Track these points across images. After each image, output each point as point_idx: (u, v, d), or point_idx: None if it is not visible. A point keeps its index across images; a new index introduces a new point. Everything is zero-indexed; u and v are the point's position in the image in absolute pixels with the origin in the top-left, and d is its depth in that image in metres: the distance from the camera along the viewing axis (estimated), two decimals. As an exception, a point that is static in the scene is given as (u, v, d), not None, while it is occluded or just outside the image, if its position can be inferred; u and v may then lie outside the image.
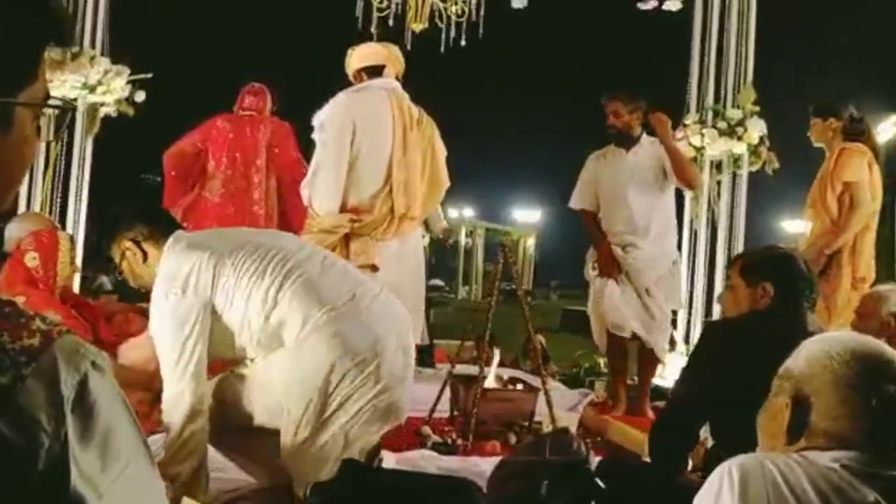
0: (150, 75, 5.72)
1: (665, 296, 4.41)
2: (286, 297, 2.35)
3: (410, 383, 2.51)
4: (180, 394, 2.37)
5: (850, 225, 4.19)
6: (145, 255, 2.53)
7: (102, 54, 5.61)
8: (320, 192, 3.44)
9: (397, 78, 3.60)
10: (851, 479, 1.22)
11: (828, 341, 1.38)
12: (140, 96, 5.69)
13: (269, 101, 5.08)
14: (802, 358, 1.38)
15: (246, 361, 2.52)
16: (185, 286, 2.36)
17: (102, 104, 5.62)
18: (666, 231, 4.43)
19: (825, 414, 1.31)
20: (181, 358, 2.35)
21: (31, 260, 3.28)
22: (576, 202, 4.64)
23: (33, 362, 0.71)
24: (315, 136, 3.53)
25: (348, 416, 2.30)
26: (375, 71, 3.55)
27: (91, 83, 5.44)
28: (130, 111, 5.71)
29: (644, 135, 4.45)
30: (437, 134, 3.56)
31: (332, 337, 2.31)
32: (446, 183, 3.63)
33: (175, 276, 2.39)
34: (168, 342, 2.39)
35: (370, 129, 3.39)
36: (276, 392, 2.39)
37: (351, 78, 3.68)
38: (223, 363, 2.64)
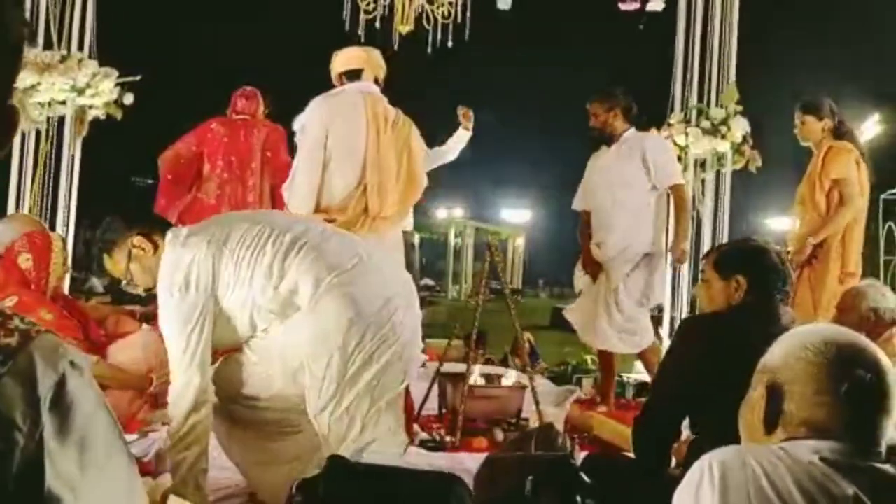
0: (138, 78, 5.73)
1: (641, 290, 4.41)
2: (293, 266, 2.40)
3: (419, 335, 2.63)
4: (186, 384, 2.42)
5: (838, 220, 4.24)
6: (156, 246, 2.56)
7: (90, 57, 5.62)
8: (296, 194, 3.54)
9: (377, 81, 3.68)
10: (831, 472, 1.24)
11: (802, 333, 1.40)
12: (129, 99, 5.70)
13: (262, 104, 5.11)
14: (778, 350, 1.40)
15: (257, 334, 2.53)
16: (187, 281, 2.41)
17: (91, 107, 5.63)
18: (636, 224, 4.37)
19: (800, 402, 1.32)
20: (187, 348, 2.41)
21: (25, 261, 3.29)
22: (574, 203, 4.76)
23: (10, 361, 0.70)
24: (297, 139, 3.64)
25: (372, 373, 2.37)
26: (354, 75, 3.64)
27: (79, 86, 5.45)
28: (119, 114, 5.72)
29: (630, 131, 4.47)
30: (414, 134, 3.63)
31: (345, 296, 2.37)
32: (423, 183, 3.66)
33: (176, 270, 2.43)
34: (174, 335, 2.44)
35: (343, 132, 3.46)
36: (295, 355, 2.43)
37: (334, 82, 3.75)
38: (225, 351, 2.68)
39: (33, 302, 3.19)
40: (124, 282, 2.66)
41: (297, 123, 3.60)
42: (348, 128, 3.47)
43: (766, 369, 1.40)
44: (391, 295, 2.50)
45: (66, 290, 4.56)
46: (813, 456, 1.26)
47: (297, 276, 2.40)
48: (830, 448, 1.27)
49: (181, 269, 2.42)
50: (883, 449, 1.31)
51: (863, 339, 1.37)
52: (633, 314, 4.38)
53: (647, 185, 4.37)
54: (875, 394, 1.31)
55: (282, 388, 2.52)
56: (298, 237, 2.46)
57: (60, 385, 0.72)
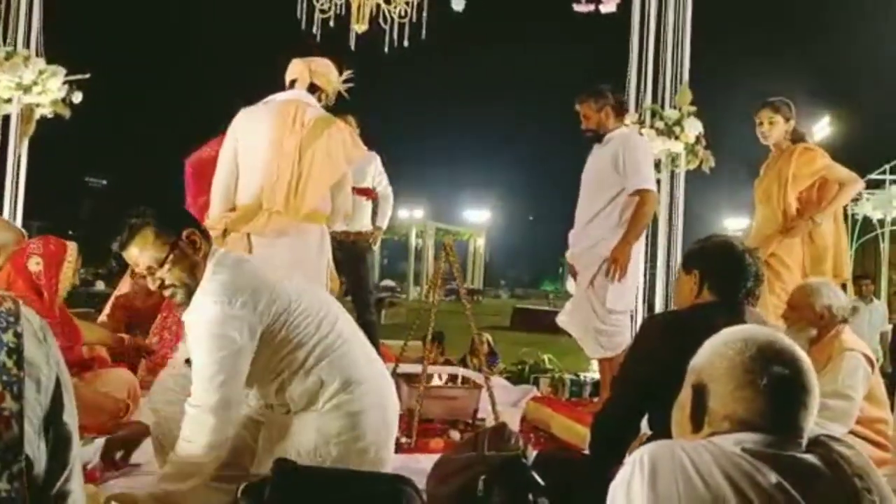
0: (87, 76, 5.62)
1: (607, 294, 4.21)
2: (329, 360, 2.40)
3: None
4: (205, 413, 2.27)
5: (844, 196, 4.42)
6: (201, 249, 2.40)
7: (37, 54, 5.49)
8: (212, 196, 3.75)
9: (316, 87, 3.86)
10: (755, 461, 1.29)
11: (726, 333, 1.45)
12: (77, 97, 5.58)
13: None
14: (703, 350, 1.45)
15: (274, 407, 2.49)
16: (235, 297, 2.28)
17: (38, 105, 5.50)
18: (604, 225, 4.24)
19: (722, 398, 1.37)
20: (218, 373, 2.26)
21: (35, 265, 3.19)
22: None
23: (19, 321, 0.99)
24: None
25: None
26: (292, 84, 3.87)
27: (26, 83, 5.32)
28: (67, 112, 5.60)
29: (617, 130, 4.34)
30: (330, 135, 3.71)
31: (356, 415, 2.39)
32: (328, 182, 3.73)
33: (227, 286, 2.30)
34: (204, 353, 2.28)
35: (247, 137, 3.70)
36: (298, 444, 2.37)
37: None
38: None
39: (35, 308, 3.09)
40: (143, 275, 2.49)
41: None
42: (252, 133, 3.68)
43: (692, 369, 1.46)
44: (390, 413, 2.56)
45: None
46: (736, 447, 1.31)
47: (328, 373, 2.39)
48: (753, 440, 1.33)
49: (231, 288, 2.30)
50: (804, 440, 1.37)
51: (781, 337, 1.43)
52: (604, 317, 4.22)
53: (618, 186, 4.21)
54: (793, 388, 1.37)
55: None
56: (340, 330, 2.48)
57: (51, 340, 1.07)
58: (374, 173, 5.72)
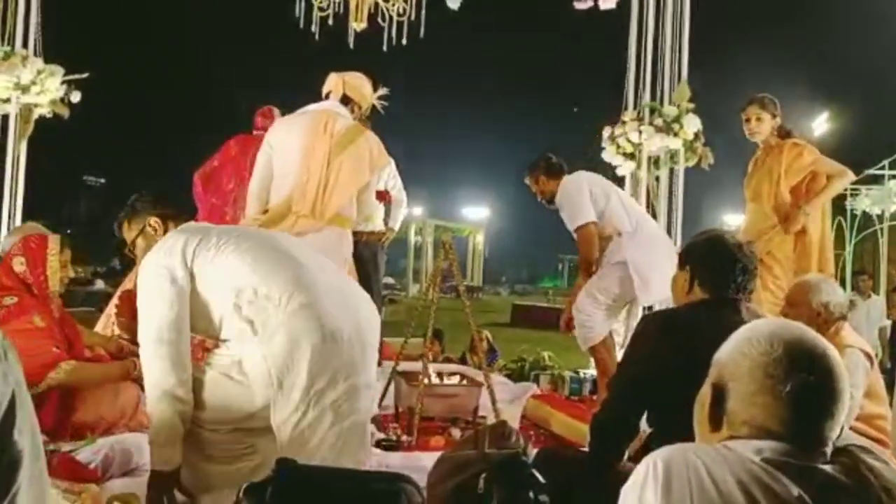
0: (85, 75, 5.62)
1: (594, 284, 4.50)
2: (269, 272, 2.47)
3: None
4: (149, 349, 2.46)
5: (834, 188, 4.44)
6: (166, 230, 2.68)
7: (35, 54, 5.49)
8: (248, 198, 4.07)
9: (348, 99, 4.13)
10: (774, 472, 1.22)
11: (751, 328, 1.36)
12: (76, 97, 5.58)
13: (272, 117, 5.24)
14: (728, 345, 1.37)
15: (229, 346, 2.52)
16: (171, 253, 2.49)
17: (36, 105, 5.50)
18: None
19: (742, 401, 1.30)
20: (159, 334, 2.44)
21: (19, 265, 3.19)
22: None
23: None
24: None
25: (337, 393, 2.39)
26: (326, 95, 4.16)
27: (24, 83, 5.32)
28: (66, 112, 5.60)
29: (559, 184, 4.54)
30: (358, 144, 3.96)
31: (317, 317, 2.41)
32: (353, 188, 3.97)
33: (170, 255, 2.50)
34: (150, 314, 2.47)
35: (281, 144, 3.97)
36: (266, 368, 2.42)
37: None
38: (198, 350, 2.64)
39: (31, 306, 3.11)
40: (126, 249, 2.79)
41: None
42: (287, 140, 3.96)
43: (715, 364, 1.38)
44: (360, 323, 2.56)
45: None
46: (756, 456, 1.25)
47: (273, 283, 2.44)
48: (773, 448, 1.26)
49: (171, 247, 2.50)
50: (829, 449, 1.29)
51: (811, 337, 1.33)
52: (585, 307, 4.42)
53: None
54: (818, 396, 1.28)
55: (260, 408, 2.49)
56: (285, 253, 2.58)
57: (8, 355, 1.02)
58: (389, 177, 5.78)
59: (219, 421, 2.56)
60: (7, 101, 5.34)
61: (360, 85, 4.18)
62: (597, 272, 4.43)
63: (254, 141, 5.25)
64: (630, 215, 4.51)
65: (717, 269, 2.35)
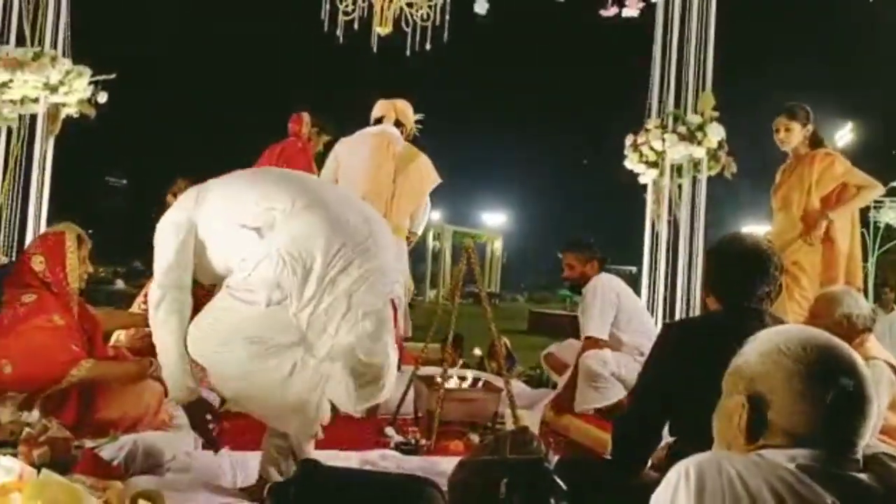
0: (112, 76, 5.68)
1: None
2: (271, 188, 2.59)
3: (406, 267, 3.09)
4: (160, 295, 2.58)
5: (865, 197, 4.46)
6: None
7: (64, 55, 5.55)
8: None
9: (399, 123, 4.76)
10: (808, 481, 1.21)
11: (777, 335, 1.35)
12: (102, 97, 5.64)
13: (305, 123, 5.58)
14: (753, 354, 1.35)
15: (242, 265, 2.56)
16: (177, 208, 2.64)
17: (64, 105, 5.57)
18: None
19: (784, 412, 1.28)
20: (166, 260, 2.58)
21: (38, 263, 3.22)
22: None
23: None
24: None
25: (351, 280, 2.44)
26: (378, 120, 4.77)
27: (52, 83, 5.38)
28: (92, 112, 5.66)
29: (591, 281, 4.50)
30: (417, 163, 4.63)
31: (323, 209, 2.53)
32: (414, 204, 4.64)
33: (177, 204, 2.66)
34: (156, 261, 2.60)
35: (348, 159, 4.61)
36: (268, 269, 2.46)
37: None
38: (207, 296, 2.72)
39: (51, 304, 3.14)
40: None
41: None
42: (354, 156, 4.61)
43: (741, 376, 1.36)
44: (370, 216, 2.67)
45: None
46: (790, 463, 1.23)
47: (278, 195, 2.54)
48: (807, 455, 1.25)
49: (180, 210, 2.64)
50: (860, 457, 1.28)
51: (837, 342, 1.33)
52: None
53: None
54: (858, 401, 1.28)
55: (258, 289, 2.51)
56: (284, 174, 2.79)
57: None
58: None
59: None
60: (35, 100, 5.41)
61: (407, 111, 4.77)
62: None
63: (276, 145, 5.47)
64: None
65: (729, 280, 2.31)
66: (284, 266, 2.42)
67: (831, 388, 1.25)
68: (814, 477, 1.21)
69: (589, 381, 4.26)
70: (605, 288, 4.48)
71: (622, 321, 4.42)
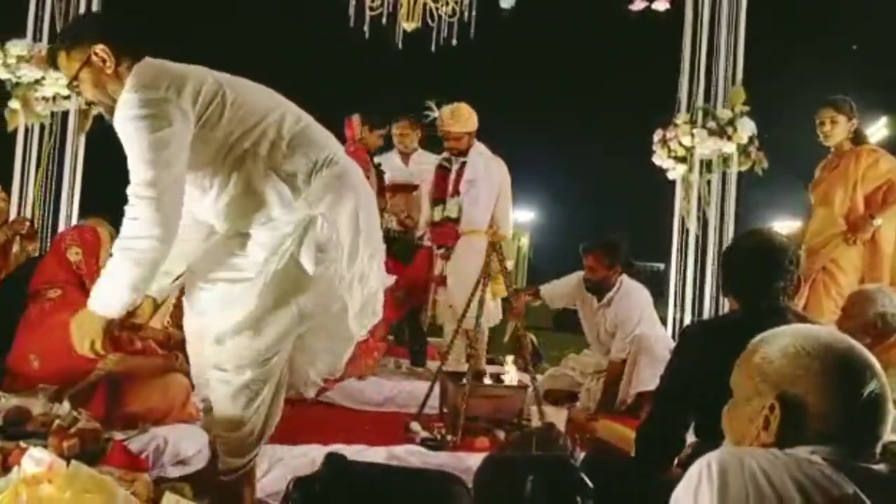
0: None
1: None
2: (304, 133, 2.43)
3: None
4: (142, 197, 2.20)
5: None
6: (119, 65, 2.29)
7: (95, 52, 5.61)
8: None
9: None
10: (830, 473, 1.22)
11: (797, 337, 1.36)
12: (132, 94, 5.69)
13: (356, 127, 5.34)
14: (777, 356, 1.35)
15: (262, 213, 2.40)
16: (156, 83, 2.21)
17: (95, 102, 5.62)
18: None
19: (818, 414, 1.29)
20: (153, 156, 2.18)
21: (74, 255, 3.26)
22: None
23: None
24: None
25: (362, 259, 2.45)
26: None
27: (84, 81, 5.44)
28: (122, 110, 5.72)
29: (615, 286, 4.52)
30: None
31: (353, 187, 2.47)
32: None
33: (145, 78, 2.23)
34: (135, 142, 2.19)
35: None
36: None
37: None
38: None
39: (76, 300, 3.12)
40: (70, 84, 2.43)
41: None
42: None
43: (765, 378, 1.35)
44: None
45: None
46: (813, 456, 1.25)
47: (304, 139, 2.42)
48: (829, 451, 1.26)
49: (161, 79, 2.24)
50: (878, 450, 1.31)
51: (857, 343, 1.35)
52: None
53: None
54: (884, 402, 1.30)
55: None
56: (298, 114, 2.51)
57: None
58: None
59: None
60: (67, 97, 5.47)
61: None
62: None
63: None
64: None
65: (749, 275, 2.28)
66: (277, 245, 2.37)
67: (863, 389, 1.28)
68: (835, 469, 1.22)
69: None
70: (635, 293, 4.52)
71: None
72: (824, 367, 1.29)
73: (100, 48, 2.27)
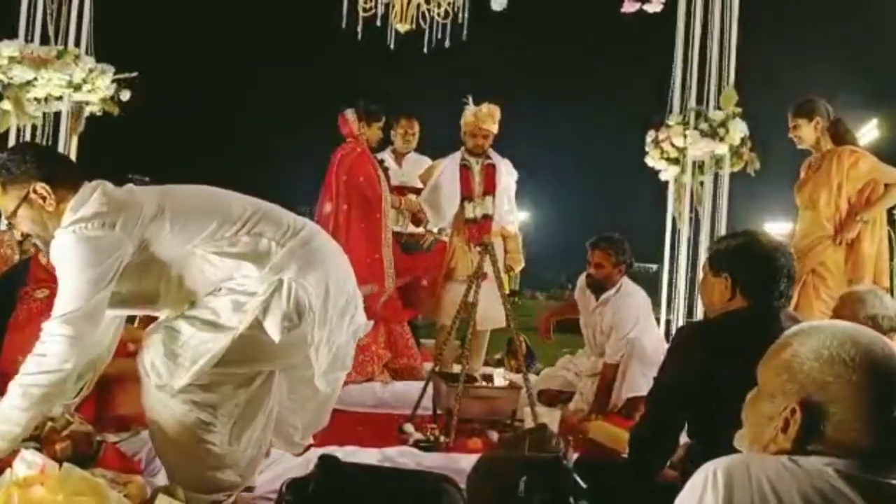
0: (135, 74, 5.72)
1: None
2: (254, 219, 2.46)
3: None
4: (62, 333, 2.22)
5: (889, 199, 4.35)
6: (59, 201, 2.32)
7: (87, 53, 5.60)
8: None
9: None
10: (842, 486, 1.16)
11: (836, 340, 1.25)
12: (125, 95, 5.69)
13: (352, 123, 5.17)
14: (809, 358, 1.25)
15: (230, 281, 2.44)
16: (93, 220, 2.26)
17: (87, 103, 5.62)
18: None
19: (842, 425, 1.21)
20: (83, 290, 2.22)
21: (43, 256, 3.26)
22: None
23: None
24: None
25: (348, 319, 2.60)
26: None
27: (76, 82, 5.43)
28: (115, 110, 5.71)
29: (616, 286, 4.51)
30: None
31: (316, 250, 2.52)
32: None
33: (84, 214, 2.28)
34: (72, 274, 2.23)
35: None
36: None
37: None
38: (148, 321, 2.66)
39: None
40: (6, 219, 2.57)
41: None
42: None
43: (793, 378, 1.26)
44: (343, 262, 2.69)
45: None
46: (826, 468, 1.18)
47: (263, 224, 2.46)
48: (845, 464, 1.19)
49: (108, 212, 2.28)
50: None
51: (890, 345, 1.27)
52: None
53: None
54: None
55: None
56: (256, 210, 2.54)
57: None
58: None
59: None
60: (59, 98, 5.46)
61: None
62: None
63: (337, 149, 5.20)
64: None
65: (761, 277, 2.26)
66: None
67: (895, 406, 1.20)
68: (849, 483, 1.16)
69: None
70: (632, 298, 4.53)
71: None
72: (860, 380, 1.20)
73: (39, 186, 2.31)
